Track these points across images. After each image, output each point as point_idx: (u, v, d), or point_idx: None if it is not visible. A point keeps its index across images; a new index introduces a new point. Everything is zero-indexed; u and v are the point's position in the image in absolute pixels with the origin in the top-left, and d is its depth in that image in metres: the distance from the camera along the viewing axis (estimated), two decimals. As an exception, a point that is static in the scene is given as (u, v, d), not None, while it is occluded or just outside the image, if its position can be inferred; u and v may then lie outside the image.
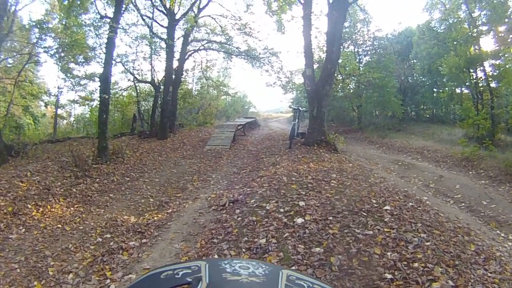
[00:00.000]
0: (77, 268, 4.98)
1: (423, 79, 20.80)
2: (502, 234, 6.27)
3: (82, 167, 9.44)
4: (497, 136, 13.41)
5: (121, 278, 4.55)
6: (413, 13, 42.57)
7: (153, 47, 17.67)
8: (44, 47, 16.77)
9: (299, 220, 5.06)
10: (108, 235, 6.09)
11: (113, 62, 13.78)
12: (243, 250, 4.53)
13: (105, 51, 12.69)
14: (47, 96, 20.27)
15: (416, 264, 3.93)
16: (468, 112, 13.62)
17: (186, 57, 18.04)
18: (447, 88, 18.37)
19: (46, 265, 5.12)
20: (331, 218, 5.10)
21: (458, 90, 18.12)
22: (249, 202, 6.17)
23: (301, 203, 5.64)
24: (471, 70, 15.33)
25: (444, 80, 17.90)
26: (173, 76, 16.49)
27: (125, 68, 18.10)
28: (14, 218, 6.60)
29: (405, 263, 3.97)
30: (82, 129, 19.31)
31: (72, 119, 21.74)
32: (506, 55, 13.65)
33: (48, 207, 7.28)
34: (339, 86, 18.77)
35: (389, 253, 4.13)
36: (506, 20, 13.56)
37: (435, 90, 20.34)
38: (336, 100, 19.85)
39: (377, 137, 16.83)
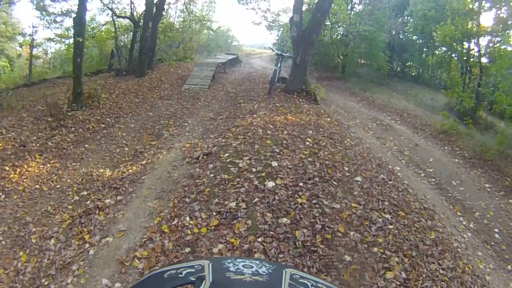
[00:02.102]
0: (58, 232, 5.11)
1: (414, 37, 20.19)
2: (464, 222, 6.41)
3: (57, 116, 9.17)
4: (479, 114, 13.55)
5: (99, 241, 4.72)
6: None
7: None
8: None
9: (270, 184, 5.15)
10: (85, 192, 6.18)
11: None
12: (214, 213, 4.68)
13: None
14: (21, 36, 19.10)
15: (375, 249, 4.14)
16: (454, 83, 13.56)
17: (169, -11, 16.94)
18: (437, 52, 17.97)
19: (28, 233, 5.23)
20: (301, 184, 5.22)
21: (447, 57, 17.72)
22: (222, 156, 6.23)
23: (274, 163, 5.70)
24: (465, 43, 14.98)
25: (436, 43, 17.41)
26: (154, 10, 15.57)
27: (103, 4, 17.03)
28: (-7, 183, 6.53)
29: (365, 245, 4.18)
30: (59, 67, 18.45)
31: (49, 56, 20.79)
32: (503, 37, 13.33)
33: (25, 166, 7.21)
34: (326, 32, 18.12)
35: (352, 233, 4.33)
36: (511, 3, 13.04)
37: (424, 50, 19.91)
38: (322, 45, 19.05)
39: (359, 89, 16.58)
